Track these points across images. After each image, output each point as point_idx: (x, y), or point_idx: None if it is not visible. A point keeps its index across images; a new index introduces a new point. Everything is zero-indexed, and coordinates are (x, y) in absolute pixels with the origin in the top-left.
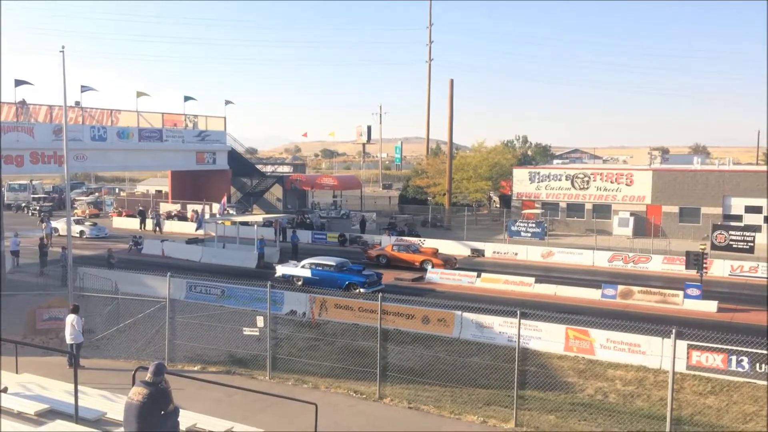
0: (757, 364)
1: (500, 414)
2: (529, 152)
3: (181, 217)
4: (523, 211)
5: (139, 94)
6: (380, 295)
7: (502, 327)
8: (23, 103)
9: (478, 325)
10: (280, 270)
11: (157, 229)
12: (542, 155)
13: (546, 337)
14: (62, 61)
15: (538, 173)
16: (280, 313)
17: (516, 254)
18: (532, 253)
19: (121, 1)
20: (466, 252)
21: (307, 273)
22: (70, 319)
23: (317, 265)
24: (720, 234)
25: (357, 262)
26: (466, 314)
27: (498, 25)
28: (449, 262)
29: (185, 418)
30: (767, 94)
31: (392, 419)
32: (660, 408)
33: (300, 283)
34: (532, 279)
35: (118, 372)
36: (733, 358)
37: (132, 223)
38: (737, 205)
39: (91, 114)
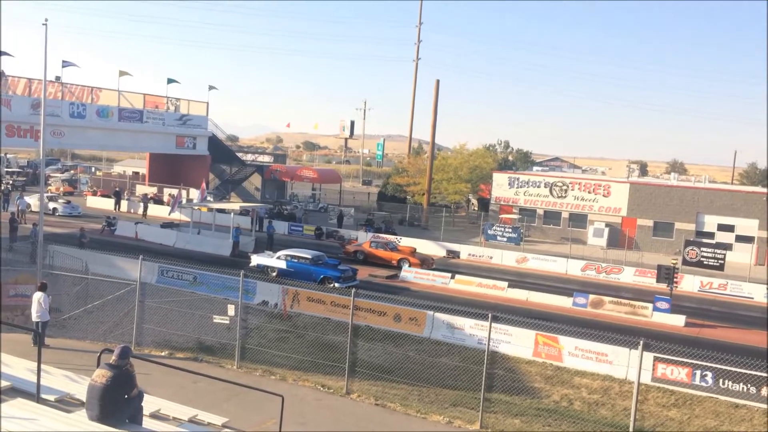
0: (721, 380)
1: (466, 415)
2: (510, 157)
3: (157, 200)
4: (500, 216)
5: (122, 74)
6: (353, 290)
7: (473, 329)
8: (1, 74)
9: (449, 326)
10: (255, 260)
11: (143, 212)
12: (523, 161)
13: (516, 342)
14: (44, 34)
15: (518, 179)
16: (252, 302)
17: (491, 258)
18: (507, 258)
19: None
20: (442, 253)
21: (282, 264)
22: (37, 296)
23: (293, 257)
24: (692, 250)
25: (333, 257)
26: (438, 314)
27: (488, 30)
28: (426, 262)
29: (149, 403)
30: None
31: (358, 415)
32: (623, 418)
33: (275, 274)
34: (506, 283)
35: (83, 353)
36: (698, 372)
37: (107, 204)
38: (710, 222)
39: (71, 90)
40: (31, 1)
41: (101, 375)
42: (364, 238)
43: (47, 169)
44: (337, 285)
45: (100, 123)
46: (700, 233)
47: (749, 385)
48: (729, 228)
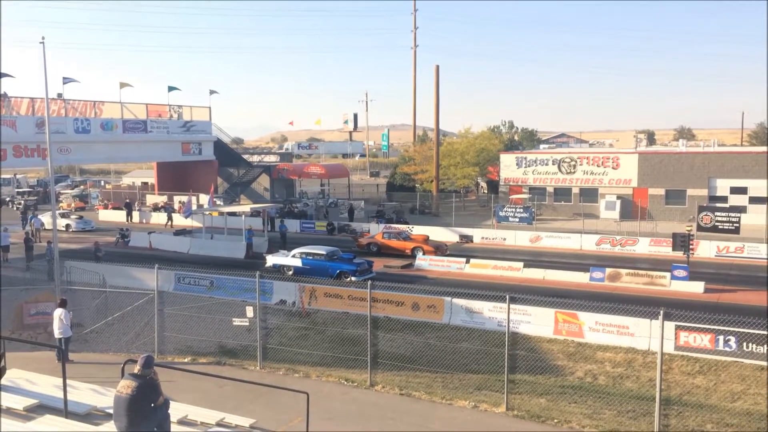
0: (744, 343)
1: (491, 398)
2: (516, 137)
3: (168, 208)
4: (510, 197)
5: (123, 85)
6: (369, 282)
7: (491, 312)
8: (5, 95)
9: (468, 311)
10: (271, 260)
11: (170, 223)
12: (529, 140)
13: (535, 321)
14: (42, 52)
15: (525, 158)
16: (270, 303)
17: (504, 239)
18: (520, 238)
19: None
20: (455, 238)
21: (298, 262)
22: (58, 313)
23: (308, 254)
24: (706, 215)
25: (347, 251)
26: (456, 300)
27: (483, 10)
28: (440, 249)
29: (176, 410)
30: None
31: (384, 406)
32: (649, 389)
33: (291, 272)
34: (521, 264)
35: (107, 365)
36: (720, 337)
37: (119, 216)
38: (722, 186)
39: (74, 106)
40: (27, 15)
41: (126, 386)
42: (376, 230)
43: (57, 186)
44: (353, 279)
45: (106, 136)
46: (713, 198)
47: None
48: (742, 190)
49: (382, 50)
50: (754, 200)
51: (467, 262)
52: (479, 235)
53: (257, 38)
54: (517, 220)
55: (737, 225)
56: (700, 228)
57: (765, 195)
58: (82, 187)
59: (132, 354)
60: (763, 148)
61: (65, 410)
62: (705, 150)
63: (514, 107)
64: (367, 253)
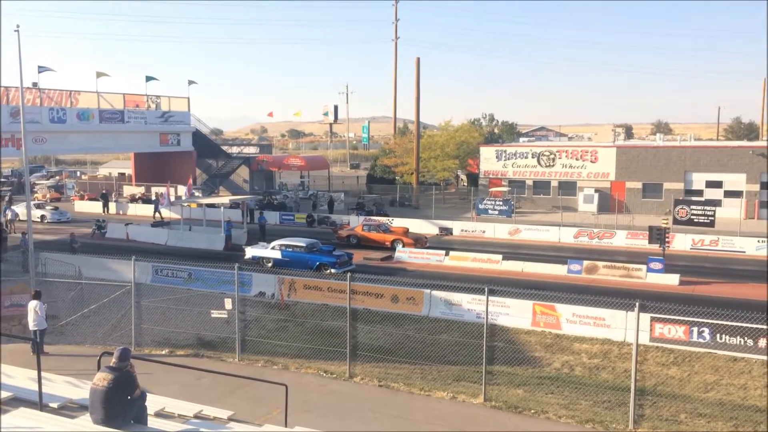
0: (717, 335)
1: (469, 390)
2: (496, 130)
3: (146, 199)
4: (490, 189)
5: (99, 75)
6: (349, 274)
7: (470, 304)
8: None
9: (447, 303)
10: (250, 252)
11: (158, 214)
12: (509, 133)
13: (514, 313)
14: (17, 40)
15: (505, 151)
16: (249, 295)
17: (484, 232)
18: (499, 231)
19: None
20: (435, 231)
21: (278, 254)
22: (33, 305)
23: (287, 246)
24: (682, 209)
25: (327, 243)
26: (435, 292)
27: (464, 3)
28: (420, 242)
29: (153, 403)
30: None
31: (363, 398)
32: (624, 380)
33: (270, 264)
34: (500, 256)
35: (83, 358)
36: (695, 329)
37: (95, 207)
38: (698, 180)
39: (50, 95)
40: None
41: (102, 378)
42: (356, 222)
43: (32, 176)
44: (333, 271)
45: (82, 126)
46: (689, 191)
47: (746, 338)
48: (717, 184)
49: (363, 42)
50: (729, 194)
51: (447, 254)
52: (459, 228)
53: (237, 29)
54: (496, 212)
55: (712, 218)
56: (676, 221)
57: (741, 189)
58: (57, 177)
59: (108, 346)
60: (739, 143)
61: (40, 403)
62: (681, 144)
63: (495, 100)
64: (346, 245)
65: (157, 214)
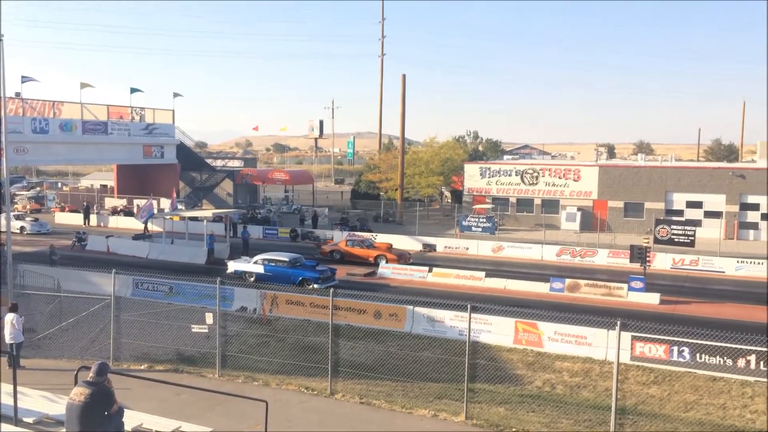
0: (697, 354)
1: (451, 407)
2: (480, 148)
3: (128, 212)
4: (473, 206)
5: (83, 86)
6: (331, 290)
7: (453, 321)
8: None
9: (430, 320)
10: (232, 266)
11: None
12: (493, 151)
13: (496, 331)
14: (1, 49)
15: (489, 169)
16: (230, 309)
17: (467, 249)
18: (482, 248)
19: None
20: (418, 247)
21: (260, 269)
22: (10, 318)
23: (270, 260)
24: (662, 228)
25: (310, 258)
26: (418, 309)
27: (451, 22)
28: (403, 258)
29: (130, 419)
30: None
31: (344, 415)
32: (605, 398)
33: (252, 279)
34: (483, 273)
35: (60, 372)
36: (675, 348)
37: (76, 219)
38: (679, 200)
39: (33, 106)
40: None
41: (79, 393)
42: (339, 238)
43: (12, 187)
44: (316, 286)
45: (64, 137)
46: (670, 211)
47: (725, 358)
48: (697, 204)
49: (350, 58)
50: (708, 214)
51: (430, 270)
52: (442, 244)
53: (223, 42)
54: (480, 229)
55: (692, 238)
56: (656, 240)
57: (720, 209)
58: (38, 188)
59: (86, 361)
60: (719, 164)
61: (15, 418)
62: (663, 164)
63: (479, 118)
64: (330, 261)
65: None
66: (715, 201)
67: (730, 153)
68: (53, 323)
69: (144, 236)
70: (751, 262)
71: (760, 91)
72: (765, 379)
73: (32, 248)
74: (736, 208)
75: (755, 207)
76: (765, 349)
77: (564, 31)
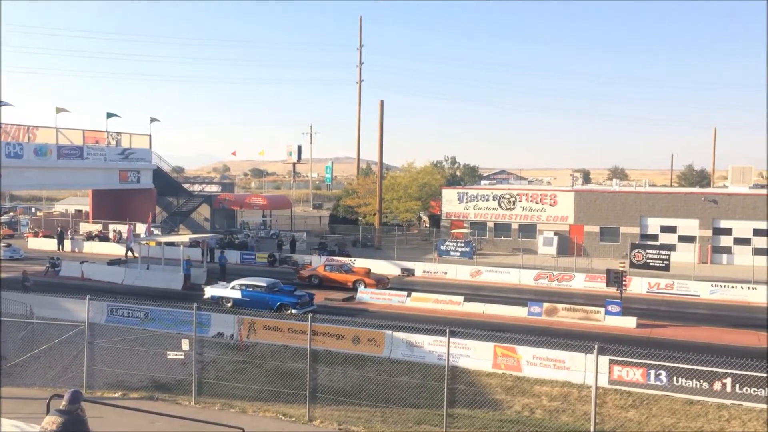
0: (674, 378)
1: None
2: (458, 173)
3: (103, 237)
4: (452, 231)
5: (59, 110)
6: (310, 315)
7: (431, 346)
8: None
9: (408, 345)
10: (209, 291)
11: (129, 253)
12: (470, 176)
13: (475, 355)
14: None
15: (467, 194)
16: (207, 335)
17: (445, 273)
18: (461, 272)
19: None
20: (397, 271)
21: (237, 294)
22: None
23: (248, 286)
24: (638, 252)
25: (288, 283)
26: (397, 333)
27: (429, 48)
28: (382, 282)
29: None
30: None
31: None
32: (584, 422)
33: (230, 304)
34: (461, 298)
35: (32, 401)
36: (652, 372)
37: (49, 244)
38: (653, 224)
39: (7, 130)
40: None
41: (51, 422)
42: (318, 262)
43: None
44: (294, 311)
45: (39, 162)
46: (645, 236)
47: (702, 381)
48: (671, 229)
49: (328, 84)
50: (682, 239)
51: (408, 295)
52: (421, 269)
53: (202, 68)
54: (458, 254)
55: (667, 262)
56: (632, 265)
57: (694, 234)
58: (11, 213)
59: (59, 389)
60: (691, 189)
61: None
62: (637, 189)
63: (457, 143)
64: (308, 286)
65: (129, 253)
66: (689, 225)
67: (702, 178)
68: (25, 350)
69: (120, 261)
70: (725, 286)
71: (732, 118)
72: (741, 402)
73: (5, 274)
74: (709, 233)
75: (728, 231)
76: (741, 372)
77: (540, 58)
